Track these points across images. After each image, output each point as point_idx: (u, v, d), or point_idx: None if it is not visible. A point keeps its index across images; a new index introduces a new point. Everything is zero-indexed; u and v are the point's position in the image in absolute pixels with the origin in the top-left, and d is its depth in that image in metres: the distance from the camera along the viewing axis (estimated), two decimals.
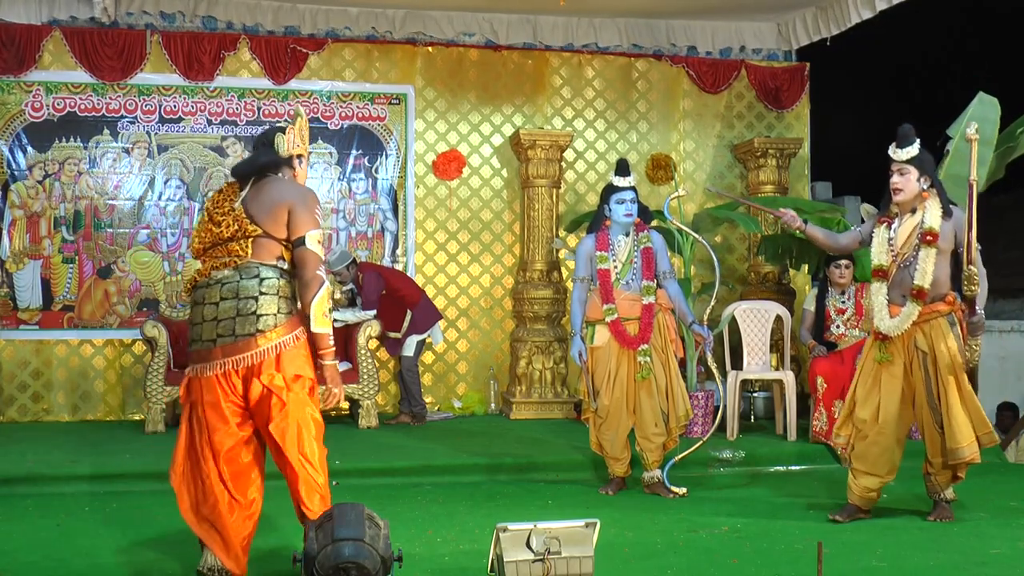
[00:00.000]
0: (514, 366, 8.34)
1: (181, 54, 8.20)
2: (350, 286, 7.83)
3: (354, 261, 7.85)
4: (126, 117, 8.23)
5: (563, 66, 9.05)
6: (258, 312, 3.70)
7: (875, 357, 4.97)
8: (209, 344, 3.72)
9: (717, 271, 5.81)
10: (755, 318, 7.52)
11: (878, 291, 4.97)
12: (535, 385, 8.22)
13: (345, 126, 8.57)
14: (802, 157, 9.28)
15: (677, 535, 4.70)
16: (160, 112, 8.28)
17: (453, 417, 8.32)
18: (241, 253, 3.75)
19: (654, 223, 6.01)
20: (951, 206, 4.87)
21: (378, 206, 8.64)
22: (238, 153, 8.38)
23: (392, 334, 7.88)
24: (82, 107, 8.15)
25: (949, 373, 4.80)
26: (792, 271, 8.75)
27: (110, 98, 8.19)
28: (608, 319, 5.57)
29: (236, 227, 3.76)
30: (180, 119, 8.31)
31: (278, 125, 4.01)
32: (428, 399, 8.44)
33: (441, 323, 8.24)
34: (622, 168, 5.64)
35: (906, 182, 4.85)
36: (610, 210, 5.65)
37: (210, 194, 8.25)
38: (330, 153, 8.52)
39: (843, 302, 6.92)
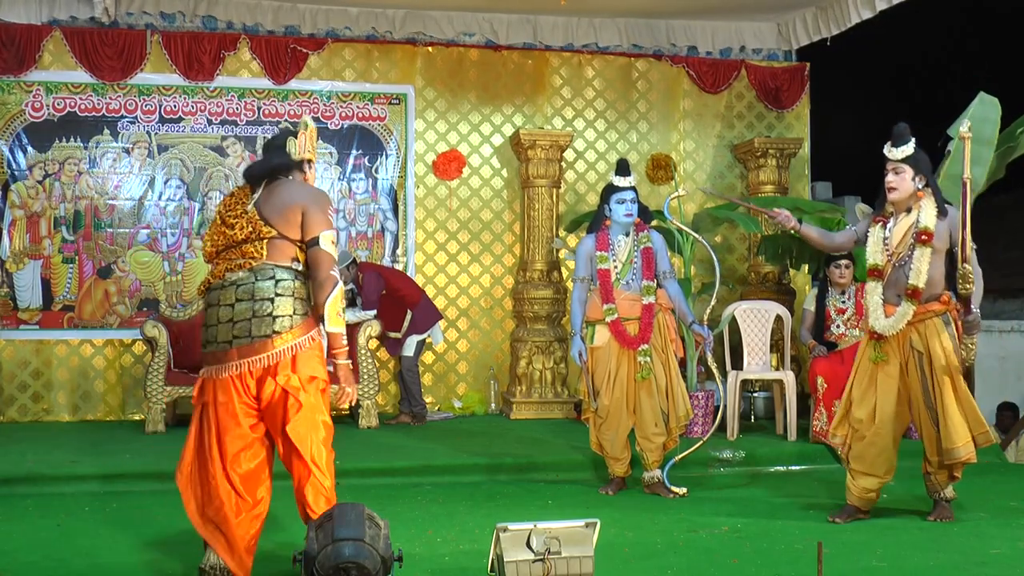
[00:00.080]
0: (514, 366, 8.34)
1: (181, 54, 8.21)
2: (350, 286, 7.83)
3: (354, 261, 7.85)
4: (126, 117, 8.23)
5: (563, 66, 9.05)
6: (274, 313, 3.71)
7: (870, 357, 4.97)
8: (225, 346, 3.73)
9: (717, 271, 5.81)
10: (755, 318, 7.52)
11: (873, 290, 4.97)
12: (535, 385, 8.22)
13: (345, 126, 8.57)
14: (802, 157, 9.28)
15: (677, 535, 4.70)
16: (160, 112, 8.28)
17: (453, 417, 8.32)
18: (256, 255, 3.77)
19: (654, 223, 6.01)
20: (946, 205, 4.87)
21: (378, 206, 8.64)
22: (238, 153, 8.38)
23: (392, 334, 7.88)
24: (82, 107, 8.15)
25: (944, 373, 4.80)
26: (792, 271, 8.75)
27: (110, 98, 8.19)
28: (608, 319, 5.57)
29: (250, 229, 3.77)
30: (180, 119, 8.31)
31: (288, 129, 4.03)
32: (428, 399, 8.44)
33: (441, 323, 8.24)
34: (622, 168, 5.64)
35: (901, 181, 4.85)
36: (610, 210, 5.65)
37: (210, 194, 8.35)
38: (330, 153, 8.52)
39: (843, 302, 6.92)
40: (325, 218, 3.80)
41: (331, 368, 3.87)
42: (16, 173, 8.05)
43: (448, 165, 8.75)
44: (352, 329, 7.63)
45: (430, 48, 8.78)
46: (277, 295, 3.73)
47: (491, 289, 8.86)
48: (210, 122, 8.36)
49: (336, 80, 8.58)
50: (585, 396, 5.72)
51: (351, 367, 3.93)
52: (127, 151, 8.24)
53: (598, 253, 5.64)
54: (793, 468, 6.54)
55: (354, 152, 8.58)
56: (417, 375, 7.97)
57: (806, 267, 8.28)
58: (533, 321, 8.34)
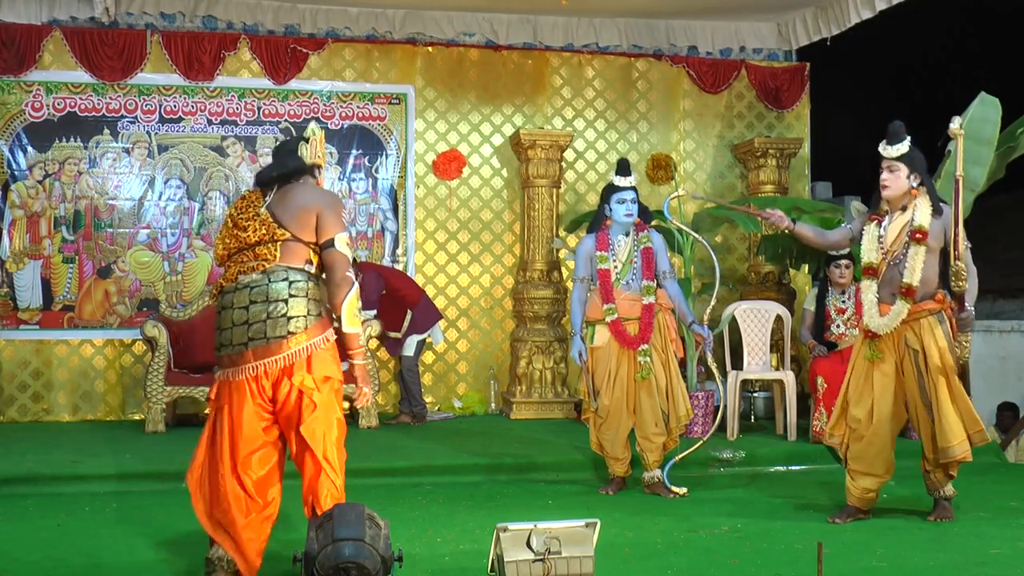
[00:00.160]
0: (514, 366, 8.34)
1: (181, 54, 8.21)
2: None
3: (354, 261, 7.82)
4: (126, 117, 8.23)
5: (563, 66, 9.05)
6: (288, 314, 3.73)
7: (865, 355, 4.98)
8: (240, 348, 3.74)
9: (717, 271, 5.80)
10: (755, 318, 7.52)
11: (868, 289, 4.97)
12: (535, 385, 8.22)
13: (345, 126, 8.57)
14: (802, 157, 9.28)
15: (677, 535, 4.70)
16: (160, 112, 8.28)
17: (453, 417, 8.32)
18: (269, 257, 3.79)
19: (654, 223, 6.01)
20: (941, 204, 4.87)
21: (378, 206, 8.64)
22: (238, 153, 8.38)
23: (392, 334, 7.88)
24: (82, 107, 8.15)
25: (939, 372, 4.80)
26: (792, 271, 8.75)
27: (110, 98, 8.19)
28: (608, 319, 5.57)
29: (263, 231, 3.80)
30: (180, 119, 8.31)
31: (299, 135, 4.09)
32: (428, 399, 8.44)
33: (441, 323, 8.24)
34: (623, 168, 5.64)
35: (895, 179, 4.85)
36: (611, 210, 5.65)
37: (210, 194, 8.35)
38: (330, 153, 8.51)
39: (843, 302, 6.92)
40: (339, 220, 3.85)
41: (345, 368, 3.90)
42: (16, 173, 8.05)
43: (448, 165, 8.75)
44: None
45: (430, 48, 8.78)
46: (291, 296, 3.75)
47: (491, 289, 8.86)
48: (210, 122, 8.36)
49: (336, 80, 8.58)
50: (585, 396, 5.72)
51: (368, 367, 3.95)
52: (127, 151, 8.24)
53: (598, 253, 5.64)
54: (793, 468, 6.54)
55: (354, 152, 8.58)
56: (417, 375, 7.97)
57: (806, 267, 8.27)
58: (533, 321, 8.34)
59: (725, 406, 6.70)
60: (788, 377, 7.14)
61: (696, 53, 9.24)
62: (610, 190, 5.66)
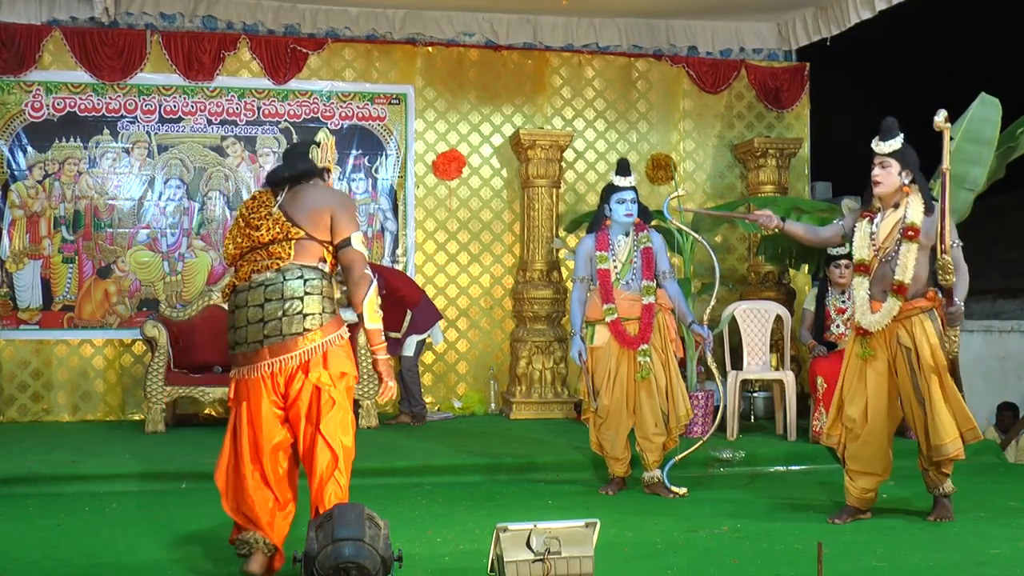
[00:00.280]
0: (514, 366, 8.34)
1: (181, 54, 8.21)
2: None
3: None
4: (126, 117, 8.23)
5: (563, 66, 9.05)
6: (304, 311, 3.78)
7: (857, 353, 4.98)
8: (256, 345, 3.78)
9: (717, 271, 5.80)
10: (755, 318, 7.52)
11: (859, 286, 4.97)
12: (535, 385, 8.22)
13: (345, 126, 8.56)
14: (802, 157, 9.28)
15: (677, 535, 4.70)
16: (160, 112, 8.28)
17: (453, 417, 8.32)
18: (283, 255, 3.83)
19: (654, 223, 6.01)
20: (933, 202, 4.86)
21: (378, 206, 8.64)
22: (238, 153, 8.38)
23: (392, 334, 7.86)
24: (82, 107, 8.15)
25: (932, 371, 4.80)
26: (792, 271, 8.75)
27: (110, 98, 8.19)
28: (608, 319, 5.57)
29: (277, 230, 3.84)
30: (180, 119, 8.31)
31: (310, 139, 4.19)
32: (428, 399, 8.45)
33: (441, 323, 8.24)
34: (623, 168, 5.64)
35: (887, 175, 4.85)
36: (610, 210, 5.64)
37: (210, 194, 8.35)
38: None
39: (843, 302, 6.92)
40: (354, 219, 3.93)
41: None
42: (16, 173, 8.05)
43: (448, 165, 8.75)
44: (352, 329, 7.61)
45: (430, 48, 8.78)
46: (307, 294, 3.80)
47: (491, 289, 8.86)
48: (210, 122, 8.36)
49: (336, 80, 8.58)
50: (585, 396, 5.72)
51: (391, 362, 4.04)
52: (127, 151, 8.24)
53: (598, 253, 5.64)
54: (793, 468, 6.54)
55: (354, 152, 8.58)
56: (417, 375, 7.97)
57: (806, 267, 8.27)
58: (533, 321, 8.34)
59: (725, 406, 6.70)
60: (788, 377, 7.14)
61: (696, 53, 9.24)
62: (610, 190, 5.66)
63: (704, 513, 5.16)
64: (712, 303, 5.79)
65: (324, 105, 8.53)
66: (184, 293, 8.28)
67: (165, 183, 8.31)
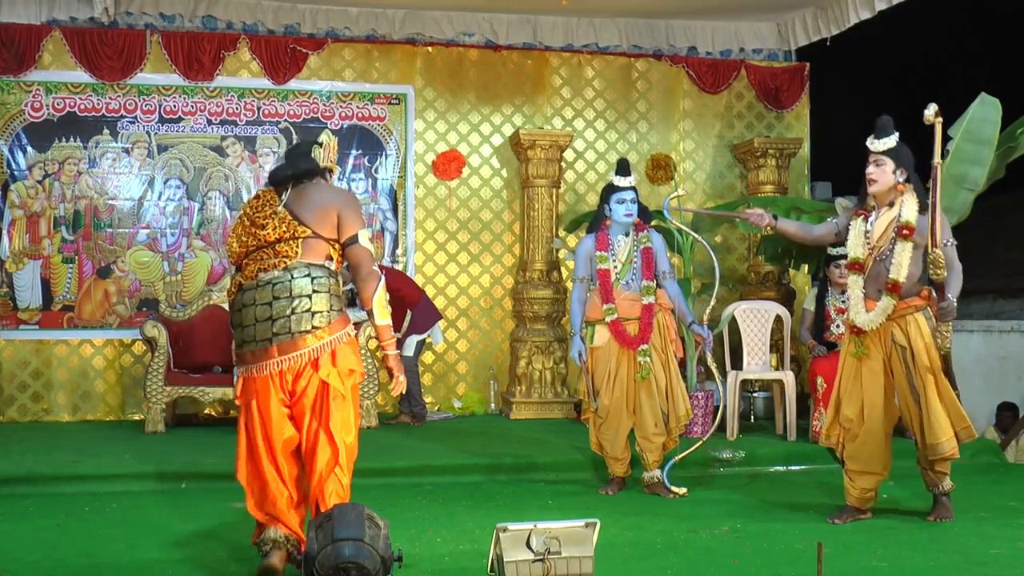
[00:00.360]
0: (514, 366, 8.34)
1: (181, 54, 8.21)
2: (349, 286, 7.81)
3: None
4: (126, 117, 8.23)
5: (563, 66, 9.05)
6: (313, 309, 3.81)
7: (851, 351, 4.98)
8: (265, 343, 3.81)
9: (717, 271, 5.80)
10: (755, 318, 7.52)
11: (854, 284, 4.97)
12: (535, 385, 8.22)
13: (345, 126, 8.56)
14: (802, 157, 9.28)
15: (677, 535, 4.70)
16: (160, 112, 8.28)
17: (453, 417, 8.32)
18: (291, 254, 3.86)
19: (654, 223, 6.01)
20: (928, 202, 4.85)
21: (378, 206, 8.64)
22: (238, 153, 8.38)
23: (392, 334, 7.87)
24: (82, 107, 8.15)
25: (927, 370, 4.80)
26: (792, 271, 8.75)
27: (110, 98, 8.19)
28: (608, 319, 5.57)
29: (284, 229, 3.87)
30: (180, 119, 8.31)
31: (312, 140, 4.21)
32: (428, 399, 8.45)
33: (441, 323, 8.24)
34: (623, 168, 5.64)
35: (881, 173, 4.84)
36: (610, 210, 5.64)
37: (210, 194, 8.35)
38: None
39: (843, 302, 6.89)
40: (360, 217, 3.97)
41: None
42: (16, 173, 8.05)
43: (448, 165, 8.75)
44: None
45: (430, 48, 8.78)
46: (315, 291, 3.83)
47: (491, 289, 8.86)
48: (210, 122, 8.36)
49: (336, 80, 8.58)
50: (585, 396, 5.72)
51: (400, 357, 4.09)
52: (127, 151, 8.24)
53: (598, 253, 5.64)
54: (793, 468, 6.54)
55: (354, 152, 8.58)
56: (417, 375, 7.97)
57: (806, 267, 8.27)
58: (533, 321, 8.34)
59: (725, 406, 6.70)
60: (788, 377, 7.14)
61: (696, 53, 9.24)
62: (610, 190, 5.66)
63: (704, 513, 5.16)
64: (712, 303, 5.79)
65: (324, 105, 8.53)
66: (184, 293, 8.28)
67: (165, 183, 8.31)
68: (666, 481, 5.61)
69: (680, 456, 5.73)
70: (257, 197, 4.02)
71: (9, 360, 8.00)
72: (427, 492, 5.70)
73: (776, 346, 7.96)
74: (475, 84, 8.87)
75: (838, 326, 6.90)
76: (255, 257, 3.89)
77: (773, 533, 4.73)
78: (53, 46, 8.08)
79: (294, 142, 8.18)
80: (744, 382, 7.46)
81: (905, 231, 4.78)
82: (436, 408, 8.52)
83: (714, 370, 5.73)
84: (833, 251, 6.86)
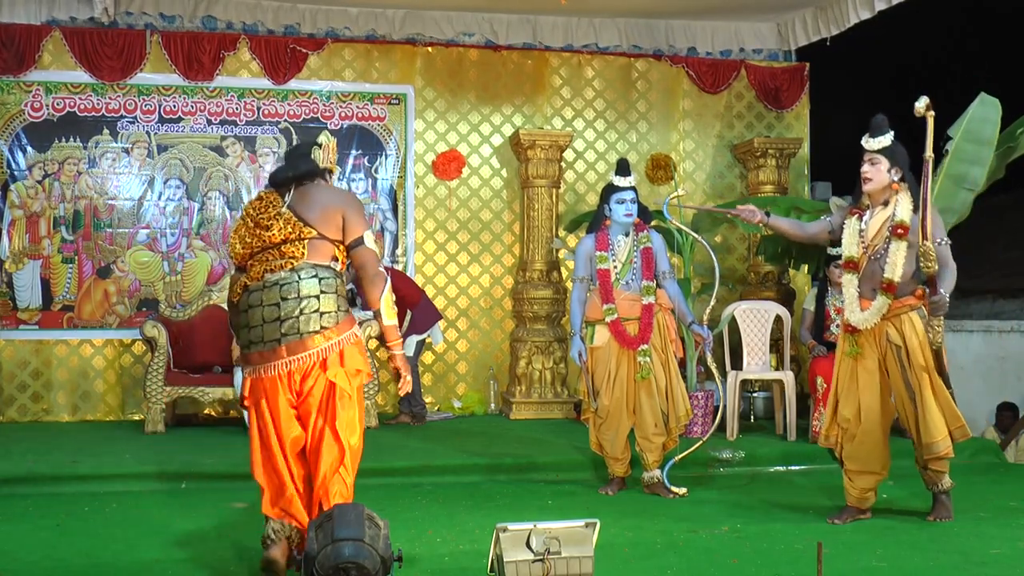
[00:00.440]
0: (514, 366, 8.34)
1: (181, 54, 8.21)
2: (350, 286, 7.82)
3: None
4: (126, 117, 8.23)
5: (563, 66, 9.05)
6: (321, 310, 3.83)
7: (846, 351, 4.98)
8: (273, 344, 3.81)
9: (717, 271, 5.80)
10: (755, 318, 7.52)
11: (849, 283, 4.97)
12: (535, 385, 8.22)
13: (345, 126, 8.56)
14: (802, 157, 9.28)
15: (677, 535, 4.70)
16: (160, 112, 8.28)
17: (453, 417, 8.32)
18: (297, 255, 3.87)
19: (654, 223, 6.01)
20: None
21: (378, 206, 8.64)
22: (238, 153, 8.38)
23: None
24: (82, 107, 8.15)
25: (922, 369, 4.80)
26: (792, 271, 8.75)
27: (110, 98, 8.19)
28: (608, 319, 5.57)
29: (289, 230, 3.88)
30: (180, 119, 8.31)
31: (312, 141, 4.21)
32: (428, 399, 8.45)
33: (441, 323, 8.24)
34: (622, 168, 5.64)
35: (876, 172, 4.84)
36: (610, 210, 5.64)
37: (210, 194, 8.35)
38: None
39: (843, 302, 6.88)
40: (363, 219, 4.00)
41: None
42: (16, 173, 8.05)
43: (448, 165, 8.75)
44: None
45: (430, 48, 8.78)
46: (322, 292, 3.85)
47: (491, 289, 8.86)
48: (210, 122, 8.36)
49: (336, 80, 8.58)
50: (585, 396, 5.72)
51: (406, 356, 4.09)
52: (127, 151, 8.24)
53: (598, 253, 5.64)
54: (793, 468, 6.54)
55: (354, 152, 8.58)
56: (417, 375, 7.97)
57: (806, 267, 8.27)
58: (533, 321, 8.34)
59: (725, 406, 6.70)
60: (788, 377, 7.14)
61: (696, 53, 9.24)
62: (609, 190, 5.66)
63: (704, 513, 5.16)
64: (712, 303, 5.79)
65: (324, 105, 8.53)
66: (184, 293, 8.28)
67: (165, 183, 8.30)
68: (666, 481, 5.61)
69: (680, 456, 5.73)
70: (259, 198, 4.02)
71: (9, 360, 8.00)
72: (427, 492, 5.70)
73: (776, 346, 7.95)
74: (475, 84, 8.87)
75: (838, 326, 6.89)
76: (260, 258, 3.90)
77: (773, 533, 4.73)
78: (53, 46, 8.07)
79: (294, 142, 8.18)
80: (744, 382, 7.46)
81: (899, 230, 4.78)
82: (436, 408, 8.52)
83: (714, 370, 5.73)
84: (833, 251, 6.85)
